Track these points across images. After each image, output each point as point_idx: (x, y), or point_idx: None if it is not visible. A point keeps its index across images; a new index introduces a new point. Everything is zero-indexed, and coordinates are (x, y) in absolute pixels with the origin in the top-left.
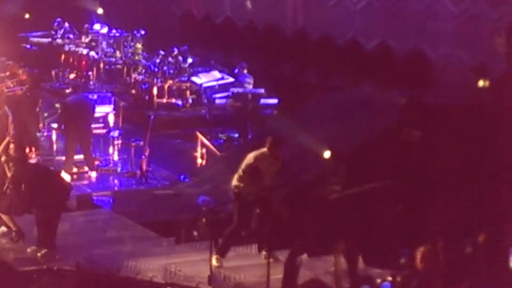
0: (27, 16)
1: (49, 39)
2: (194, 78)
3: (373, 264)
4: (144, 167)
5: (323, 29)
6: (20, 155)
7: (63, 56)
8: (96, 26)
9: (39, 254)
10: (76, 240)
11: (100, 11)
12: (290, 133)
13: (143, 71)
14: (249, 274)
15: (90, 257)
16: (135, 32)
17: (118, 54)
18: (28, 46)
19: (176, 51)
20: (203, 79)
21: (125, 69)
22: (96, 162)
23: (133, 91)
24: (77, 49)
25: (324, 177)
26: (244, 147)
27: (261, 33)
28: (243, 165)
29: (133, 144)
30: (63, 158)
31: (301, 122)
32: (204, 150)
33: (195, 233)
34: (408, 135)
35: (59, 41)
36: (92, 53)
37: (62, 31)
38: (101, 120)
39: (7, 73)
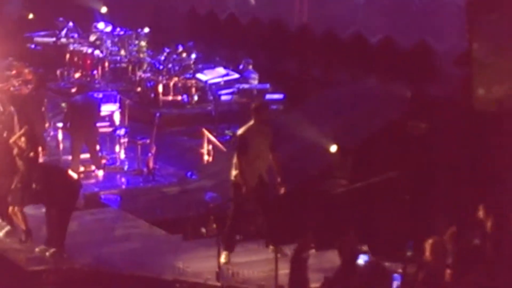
0: (31, 16)
1: (54, 39)
2: (199, 75)
3: (381, 256)
4: (151, 164)
5: (327, 24)
6: (32, 151)
7: (67, 56)
8: (100, 25)
9: (47, 254)
10: (84, 239)
11: (104, 9)
12: (295, 127)
13: (148, 68)
14: (257, 269)
15: (98, 256)
16: (139, 30)
17: (122, 52)
18: (33, 46)
19: (180, 48)
20: (208, 76)
21: (130, 67)
22: (103, 161)
23: (139, 89)
24: (81, 48)
25: (330, 171)
26: None
27: (265, 29)
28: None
29: (140, 142)
30: (70, 157)
31: (307, 117)
32: (210, 146)
33: (203, 230)
34: (413, 127)
35: (63, 40)
36: (97, 52)
37: (66, 30)
38: (107, 119)
39: (13, 72)
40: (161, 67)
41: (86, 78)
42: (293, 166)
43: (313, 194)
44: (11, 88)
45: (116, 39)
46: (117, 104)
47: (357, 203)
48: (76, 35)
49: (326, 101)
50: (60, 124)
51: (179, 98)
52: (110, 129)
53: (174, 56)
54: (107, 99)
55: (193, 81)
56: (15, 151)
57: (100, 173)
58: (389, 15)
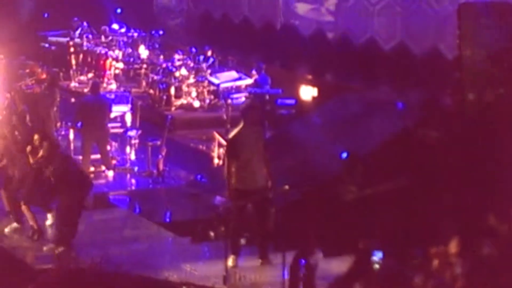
0: (45, 15)
1: (68, 39)
2: (211, 78)
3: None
4: (161, 166)
5: (340, 30)
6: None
7: (81, 56)
8: (115, 26)
9: (56, 252)
10: (92, 239)
11: (118, 11)
12: (307, 133)
13: (161, 71)
14: (264, 273)
15: (106, 256)
16: (153, 32)
17: (136, 54)
18: (47, 45)
19: (194, 51)
20: (221, 79)
21: (143, 69)
22: (113, 162)
23: (151, 91)
24: (95, 48)
25: (341, 177)
26: None
27: (278, 33)
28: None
29: (150, 143)
30: (80, 157)
31: (318, 123)
32: (221, 150)
33: (211, 233)
34: (424, 136)
35: (77, 40)
36: (110, 52)
37: (80, 30)
38: (118, 120)
39: (26, 71)
40: (173, 69)
41: (98, 79)
42: (303, 172)
43: (322, 200)
44: (24, 87)
45: (129, 41)
46: (129, 105)
47: (366, 210)
48: (90, 36)
49: (338, 108)
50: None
51: (191, 100)
52: (121, 130)
53: (187, 59)
54: (119, 100)
55: (206, 84)
56: (28, 149)
57: (110, 173)
58: (403, 22)
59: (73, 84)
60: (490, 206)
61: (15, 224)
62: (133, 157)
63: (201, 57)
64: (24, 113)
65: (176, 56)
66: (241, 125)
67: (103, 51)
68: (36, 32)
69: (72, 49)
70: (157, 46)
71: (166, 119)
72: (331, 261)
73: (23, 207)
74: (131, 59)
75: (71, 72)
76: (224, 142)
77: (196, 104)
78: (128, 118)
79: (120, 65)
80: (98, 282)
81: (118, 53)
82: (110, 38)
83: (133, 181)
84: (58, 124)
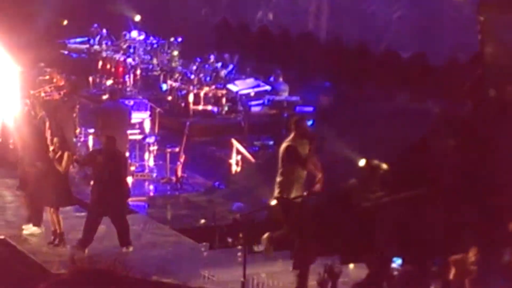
0: (65, 22)
1: (87, 46)
2: (230, 86)
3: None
4: (179, 173)
5: (358, 38)
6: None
7: (100, 63)
8: (134, 33)
9: (75, 256)
10: (111, 244)
11: (137, 18)
12: (325, 140)
13: (179, 78)
14: (282, 280)
15: (124, 261)
16: (172, 39)
17: (154, 61)
18: (66, 52)
19: (212, 59)
20: (239, 87)
21: (161, 76)
22: (132, 168)
23: (169, 98)
24: (114, 55)
25: (359, 185)
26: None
27: (296, 41)
28: (280, 163)
29: (169, 150)
30: None
31: (337, 130)
32: (239, 157)
33: (229, 239)
34: (442, 144)
35: (96, 47)
36: (129, 59)
37: (99, 37)
38: (137, 126)
39: (46, 78)
40: (192, 76)
41: (117, 86)
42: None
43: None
44: (43, 94)
45: (148, 48)
46: (148, 112)
47: (385, 218)
48: (109, 43)
49: (357, 115)
50: (91, 130)
51: (209, 108)
52: (140, 137)
53: (206, 66)
54: (138, 107)
55: (224, 91)
56: (51, 155)
57: (129, 180)
58: (421, 31)
59: (92, 91)
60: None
61: (35, 228)
62: (151, 163)
63: (219, 64)
64: (43, 119)
65: (195, 63)
66: (292, 136)
67: (122, 58)
68: (56, 39)
69: (91, 56)
70: (175, 53)
71: (184, 126)
72: (348, 268)
73: (50, 211)
74: (150, 66)
75: (90, 78)
76: (242, 149)
77: (214, 111)
78: (147, 125)
79: (139, 72)
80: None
81: (137, 60)
82: (129, 45)
83: (152, 187)
84: (78, 131)
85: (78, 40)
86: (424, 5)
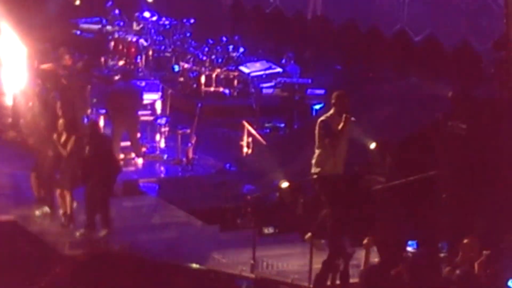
0: (77, 2)
1: (99, 26)
2: (241, 68)
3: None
4: (190, 155)
5: (371, 20)
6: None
7: (112, 43)
8: (146, 14)
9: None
10: (121, 225)
11: None
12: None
13: (192, 59)
14: (292, 262)
15: (135, 242)
16: (185, 20)
17: (167, 42)
18: (79, 32)
19: (224, 40)
20: (251, 69)
21: (173, 58)
22: (143, 149)
23: (181, 79)
24: (126, 36)
25: (369, 168)
26: (290, 137)
27: (309, 23)
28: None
29: (180, 131)
30: None
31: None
32: (250, 139)
33: (239, 221)
34: (454, 127)
35: (109, 28)
36: (141, 40)
37: (111, 17)
38: (148, 107)
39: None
40: (204, 58)
41: (129, 66)
42: None
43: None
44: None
45: (161, 29)
46: (159, 93)
47: (395, 201)
48: (121, 23)
49: (368, 98)
50: (102, 111)
51: (221, 89)
52: (151, 118)
53: (218, 47)
54: (150, 88)
55: (236, 73)
56: (55, 137)
57: (140, 161)
58: (433, 14)
59: (104, 71)
60: None
61: (46, 209)
62: (162, 145)
63: (231, 47)
64: (54, 99)
65: (207, 45)
66: (331, 112)
67: (134, 39)
68: (68, 19)
69: (103, 37)
70: (188, 34)
71: (196, 107)
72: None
73: (63, 193)
74: (162, 47)
75: (102, 59)
76: (253, 131)
77: (226, 92)
78: (158, 106)
79: (151, 53)
80: (127, 267)
81: (149, 41)
82: (141, 25)
83: (163, 168)
84: (89, 111)
85: (91, 20)
86: None
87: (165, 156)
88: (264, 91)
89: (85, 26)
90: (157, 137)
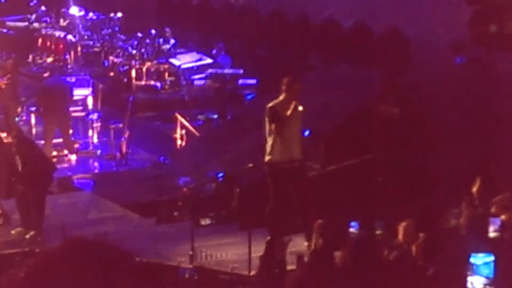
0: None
1: (26, 23)
2: (172, 60)
3: None
4: (124, 149)
5: (299, 9)
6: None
7: (40, 40)
8: (73, 9)
9: (27, 236)
10: (57, 222)
11: None
12: None
13: (121, 53)
14: (230, 251)
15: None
16: (112, 14)
17: (95, 37)
18: (5, 30)
19: (153, 33)
20: (181, 61)
21: (103, 52)
22: (76, 145)
23: (111, 74)
24: (54, 32)
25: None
26: (223, 127)
27: (238, 13)
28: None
29: (112, 126)
30: (42, 142)
31: None
32: (183, 131)
33: (176, 214)
34: (386, 112)
35: (35, 25)
36: (69, 36)
37: (37, 14)
38: (79, 103)
39: None
40: (134, 51)
41: (58, 63)
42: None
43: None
44: None
45: (88, 24)
46: (90, 89)
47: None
48: (48, 20)
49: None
50: (33, 108)
51: (152, 82)
52: (83, 114)
53: (147, 41)
54: (80, 83)
55: (166, 66)
56: None
57: (73, 157)
58: (361, 0)
59: (33, 68)
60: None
61: None
62: (95, 140)
63: (161, 39)
64: None
65: (136, 39)
66: (281, 98)
67: (62, 35)
68: None
69: (30, 34)
70: (116, 28)
71: (127, 101)
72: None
73: None
74: (91, 42)
75: (30, 57)
76: (186, 123)
77: (157, 86)
78: (90, 102)
79: (80, 48)
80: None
81: (77, 36)
82: (68, 21)
83: (96, 164)
84: (19, 110)
85: (17, 18)
86: None
87: (99, 152)
88: (196, 82)
89: (11, 24)
90: (90, 132)
